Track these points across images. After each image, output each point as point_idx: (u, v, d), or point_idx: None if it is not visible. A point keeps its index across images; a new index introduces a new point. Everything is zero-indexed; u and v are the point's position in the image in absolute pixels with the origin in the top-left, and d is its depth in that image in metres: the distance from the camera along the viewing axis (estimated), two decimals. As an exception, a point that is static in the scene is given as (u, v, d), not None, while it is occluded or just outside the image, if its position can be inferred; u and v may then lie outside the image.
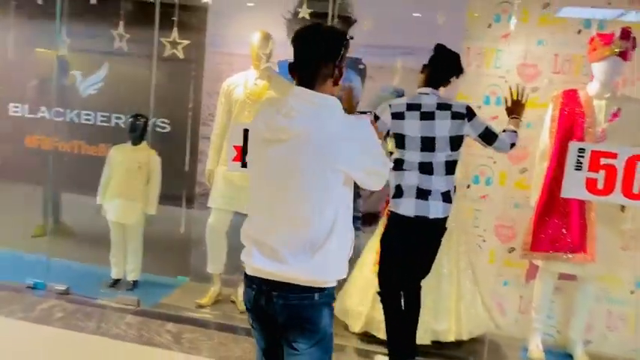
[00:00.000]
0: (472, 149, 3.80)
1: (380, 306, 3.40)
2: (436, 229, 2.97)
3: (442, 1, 3.70)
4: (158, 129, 4.26)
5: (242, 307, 3.82)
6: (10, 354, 3.12)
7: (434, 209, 2.89)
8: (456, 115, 2.93)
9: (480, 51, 3.77)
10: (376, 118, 2.92)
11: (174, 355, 3.13)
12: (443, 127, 2.90)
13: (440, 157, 2.90)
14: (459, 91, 3.83)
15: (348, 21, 3.97)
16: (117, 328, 3.40)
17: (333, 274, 1.78)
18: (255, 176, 1.84)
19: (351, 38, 3.99)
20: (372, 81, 3.98)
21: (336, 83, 1.81)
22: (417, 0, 3.74)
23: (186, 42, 3.59)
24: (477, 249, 3.72)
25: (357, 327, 3.53)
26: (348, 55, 3.86)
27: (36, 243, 4.51)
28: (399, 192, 2.95)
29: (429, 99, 2.95)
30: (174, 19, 3.60)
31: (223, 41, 4.06)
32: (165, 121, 4.25)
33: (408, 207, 2.91)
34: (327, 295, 1.77)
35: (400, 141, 2.96)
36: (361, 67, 3.99)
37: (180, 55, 3.61)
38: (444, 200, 2.92)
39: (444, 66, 3.01)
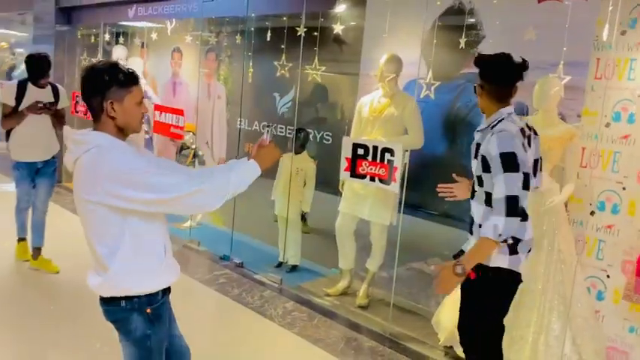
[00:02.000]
0: (597, 171, 3.40)
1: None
2: None
3: (570, 10, 3.40)
4: (324, 141, 5.01)
5: (361, 301, 4.27)
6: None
7: None
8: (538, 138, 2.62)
9: (610, 62, 3.32)
10: (515, 156, 2.31)
11: (269, 325, 3.83)
12: (535, 150, 2.58)
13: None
14: (585, 107, 3.45)
15: (476, 37, 3.97)
16: (251, 297, 4.29)
17: (126, 287, 1.91)
18: None
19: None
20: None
21: (111, 117, 1.85)
22: (544, 10, 3.52)
23: (322, 68, 4.23)
24: (580, 281, 3.29)
25: (441, 338, 3.60)
26: (471, 71, 3.94)
27: (254, 226, 5.74)
28: (515, 247, 2.44)
29: (518, 120, 2.51)
30: (316, 49, 4.27)
31: (372, 64, 4.53)
32: (329, 134, 4.96)
33: (522, 264, 2.51)
34: (137, 303, 1.93)
35: (526, 180, 2.34)
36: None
37: (319, 79, 4.27)
38: None
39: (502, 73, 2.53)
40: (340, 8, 4.30)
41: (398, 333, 3.83)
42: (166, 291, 2.07)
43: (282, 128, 5.42)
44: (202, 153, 6.07)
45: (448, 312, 3.60)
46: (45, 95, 4.21)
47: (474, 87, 2.55)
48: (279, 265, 4.98)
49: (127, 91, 1.86)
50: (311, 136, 5.13)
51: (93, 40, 7.25)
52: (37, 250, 4.48)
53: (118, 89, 1.84)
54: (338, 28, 4.11)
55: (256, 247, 5.51)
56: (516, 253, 2.43)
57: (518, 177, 2.29)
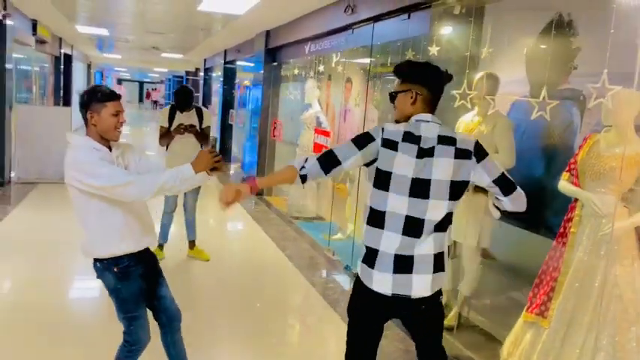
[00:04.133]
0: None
1: (515, 351, 3.26)
2: (426, 310, 2.34)
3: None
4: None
5: (448, 322, 4.19)
6: (272, 288, 4.90)
7: (419, 285, 2.24)
8: (460, 154, 2.24)
9: None
10: (369, 138, 2.26)
11: (341, 327, 4.09)
12: (443, 167, 2.21)
13: (434, 209, 2.21)
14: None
15: (574, 50, 3.65)
16: (345, 303, 4.56)
17: (95, 252, 2.52)
18: None
19: (575, 68, 3.68)
20: (591, 114, 3.47)
21: (93, 125, 2.45)
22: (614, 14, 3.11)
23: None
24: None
25: (499, 363, 3.41)
26: (569, 86, 3.86)
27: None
28: (370, 258, 2.27)
29: (429, 129, 2.25)
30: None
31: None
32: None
33: (382, 282, 2.24)
34: (106, 264, 2.52)
35: (383, 180, 2.22)
36: (581, 98, 3.56)
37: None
38: (435, 270, 2.25)
39: (440, 83, 2.35)
40: (441, 30, 4.40)
41: (465, 356, 3.71)
42: (135, 257, 2.57)
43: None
44: (352, 172, 6.58)
45: (508, 340, 3.39)
46: (189, 118, 5.18)
47: (392, 94, 2.39)
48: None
49: (103, 105, 2.45)
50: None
51: (288, 75, 8.44)
52: (192, 243, 5.53)
53: (96, 104, 2.45)
54: (433, 50, 4.21)
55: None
56: (370, 265, 2.26)
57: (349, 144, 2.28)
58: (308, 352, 3.90)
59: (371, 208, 2.27)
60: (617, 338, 2.77)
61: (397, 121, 2.38)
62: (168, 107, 5.34)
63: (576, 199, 3.09)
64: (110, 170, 2.39)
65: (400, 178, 2.20)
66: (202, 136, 5.25)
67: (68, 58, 15.62)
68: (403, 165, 2.20)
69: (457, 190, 2.24)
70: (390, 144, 2.23)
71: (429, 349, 2.51)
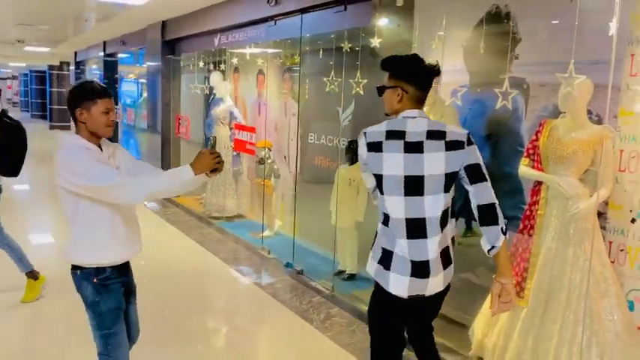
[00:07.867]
0: (636, 175, 3.13)
1: (492, 332, 3.37)
2: (438, 299, 2.45)
3: (605, 5, 3.21)
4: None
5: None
6: (218, 295, 4.68)
7: (433, 286, 2.29)
8: (452, 145, 2.25)
9: (647, 56, 3.07)
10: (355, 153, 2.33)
11: (304, 326, 4.00)
12: (434, 162, 2.22)
13: (432, 206, 2.21)
14: (621, 107, 3.20)
15: (514, 40, 3.85)
16: (299, 302, 4.50)
17: (77, 258, 2.32)
18: None
19: (516, 58, 3.89)
20: (536, 101, 3.72)
21: (83, 122, 2.29)
22: (579, 8, 3.35)
23: (364, 81, 4.37)
24: (616, 294, 3.03)
25: (472, 348, 3.52)
26: (514, 75, 3.92)
27: (323, 236, 5.98)
28: (385, 259, 2.27)
29: (416, 124, 2.26)
30: (358, 63, 4.42)
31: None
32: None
33: (398, 285, 2.25)
34: (86, 274, 2.31)
35: (378, 183, 2.24)
36: (525, 86, 3.78)
37: (361, 91, 4.41)
38: (445, 266, 2.30)
39: (427, 79, 2.35)
40: (383, 22, 4.42)
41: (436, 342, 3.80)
42: (117, 268, 2.39)
43: (344, 140, 5.60)
44: (277, 167, 6.45)
45: (480, 321, 3.53)
46: None
47: (380, 88, 2.38)
48: (339, 273, 5.12)
49: (93, 103, 2.30)
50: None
51: (191, 67, 8.03)
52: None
53: (85, 101, 2.30)
54: (375, 42, 4.22)
55: (322, 256, 5.68)
56: (385, 267, 2.27)
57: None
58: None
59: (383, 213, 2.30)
60: (593, 308, 2.99)
61: (387, 115, 2.41)
62: None
63: (539, 183, 3.27)
64: (102, 170, 2.23)
65: (392, 178, 2.21)
66: None
67: None
68: (392, 164, 2.21)
69: (450, 182, 2.25)
70: (374, 146, 2.26)
71: (424, 334, 2.78)
